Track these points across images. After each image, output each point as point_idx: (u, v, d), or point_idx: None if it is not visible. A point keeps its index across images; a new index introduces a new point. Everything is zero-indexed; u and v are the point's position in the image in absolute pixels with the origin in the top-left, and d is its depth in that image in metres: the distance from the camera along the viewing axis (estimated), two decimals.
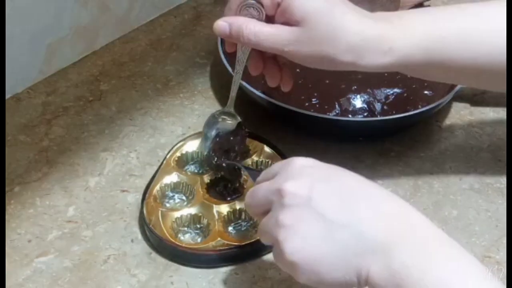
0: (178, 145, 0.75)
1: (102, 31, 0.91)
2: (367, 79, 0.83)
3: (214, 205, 0.69)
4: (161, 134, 0.80)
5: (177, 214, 0.68)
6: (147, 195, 0.69)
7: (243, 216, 0.69)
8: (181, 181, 0.71)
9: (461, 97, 0.84)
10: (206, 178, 0.71)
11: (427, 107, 0.76)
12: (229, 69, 0.80)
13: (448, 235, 0.50)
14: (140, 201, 0.70)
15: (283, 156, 0.74)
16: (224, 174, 0.70)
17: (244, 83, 0.78)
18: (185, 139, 0.76)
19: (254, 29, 0.62)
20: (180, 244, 0.66)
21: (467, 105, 0.85)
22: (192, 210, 0.69)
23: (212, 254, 0.65)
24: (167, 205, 0.71)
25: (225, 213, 0.68)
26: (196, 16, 1.00)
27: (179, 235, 0.68)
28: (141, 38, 0.95)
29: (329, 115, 0.78)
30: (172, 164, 0.73)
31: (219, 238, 0.66)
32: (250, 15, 0.63)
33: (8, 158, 0.75)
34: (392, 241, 0.47)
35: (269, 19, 0.63)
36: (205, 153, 0.71)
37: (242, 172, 0.70)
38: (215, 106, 0.84)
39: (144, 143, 0.79)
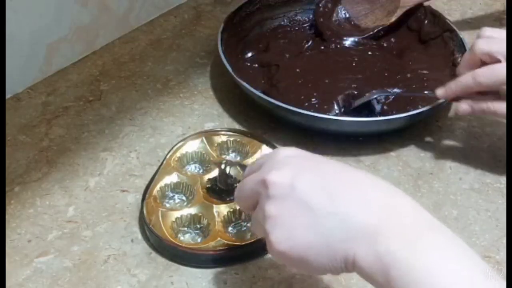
0: (178, 145, 0.75)
1: (102, 31, 0.92)
2: (367, 79, 0.83)
3: (214, 205, 0.69)
4: (161, 134, 0.80)
5: (177, 214, 0.68)
6: (147, 195, 0.69)
7: (243, 216, 0.69)
8: (181, 181, 0.71)
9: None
10: (206, 178, 0.71)
11: (427, 107, 0.76)
12: (229, 69, 0.80)
13: None
14: (140, 201, 0.70)
15: None
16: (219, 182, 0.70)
17: (244, 83, 0.78)
18: (185, 139, 0.76)
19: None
20: (180, 244, 0.66)
21: None
22: (192, 210, 0.69)
23: (212, 254, 0.65)
24: (167, 205, 0.71)
25: (225, 213, 0.68)
26: (196, 16, 1.00)
27: (179, 235, 0.68)
28: (141, 38, 0.95)
29: (328, 115, 0.78)
30: (172, 164, 0.73)
31: (219, 238, 0.66)
32: None
33: (8, 158, 0.75)
34: (378, 225, 0.47)
35: None
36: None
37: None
38: (215, 106, 0.84)
39: (144, 143, 0.79)
